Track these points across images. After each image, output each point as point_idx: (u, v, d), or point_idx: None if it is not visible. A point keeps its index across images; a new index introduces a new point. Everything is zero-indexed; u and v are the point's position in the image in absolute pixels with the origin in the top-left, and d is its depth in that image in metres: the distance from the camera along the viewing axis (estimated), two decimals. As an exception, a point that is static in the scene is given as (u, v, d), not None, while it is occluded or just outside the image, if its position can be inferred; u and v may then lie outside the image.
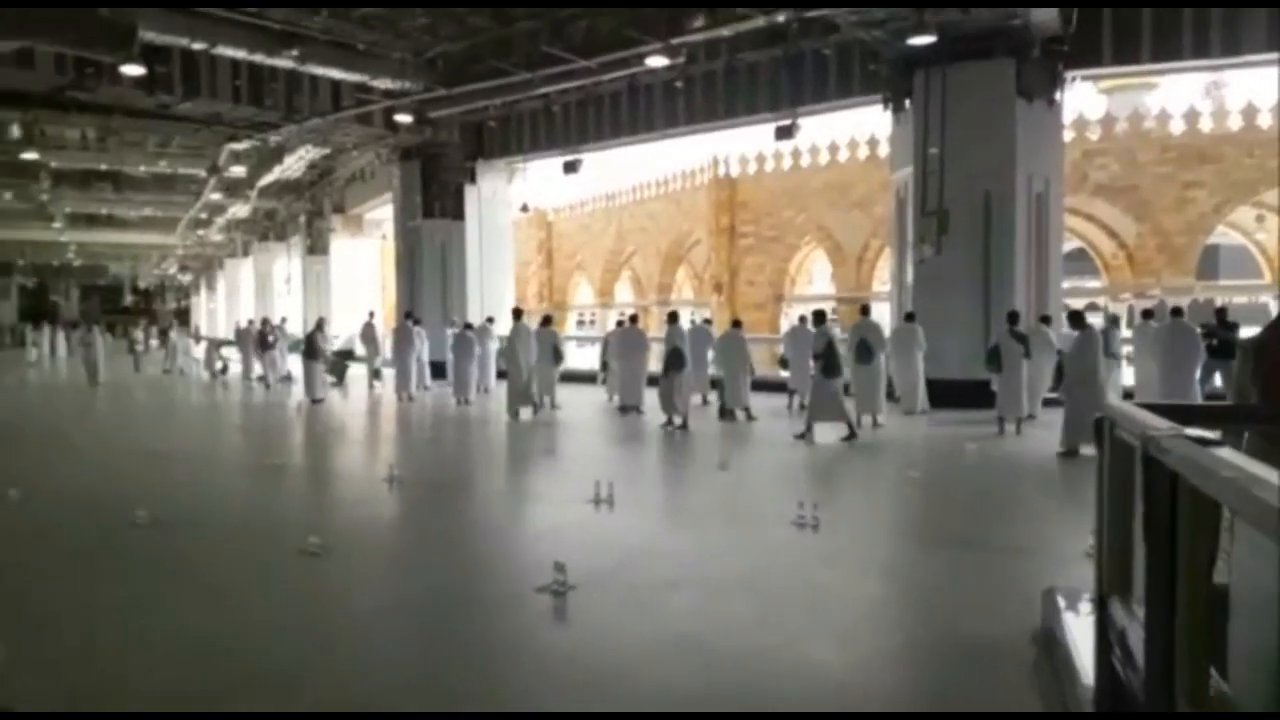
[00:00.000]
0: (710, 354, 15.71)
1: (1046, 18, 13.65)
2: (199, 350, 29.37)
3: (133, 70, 15.20)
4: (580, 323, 43.54)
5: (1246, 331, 14.76)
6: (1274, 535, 1.62)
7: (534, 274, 41.08)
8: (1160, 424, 2.57)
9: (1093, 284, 33.72)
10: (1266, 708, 2.17)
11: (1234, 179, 25.14)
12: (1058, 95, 15.29)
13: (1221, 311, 14.94)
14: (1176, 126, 25.77)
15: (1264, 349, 4.05)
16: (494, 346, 19.74)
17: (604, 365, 17.61)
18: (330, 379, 20.07)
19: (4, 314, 56.92)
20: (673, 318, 14.36)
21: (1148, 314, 15.39)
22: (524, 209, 27.27)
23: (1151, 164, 25.74)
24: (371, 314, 23.93)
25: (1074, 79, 15.70)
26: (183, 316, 59.90)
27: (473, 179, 23.65)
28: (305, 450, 12.63)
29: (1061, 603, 4.23)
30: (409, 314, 20.46)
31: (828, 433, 11.57)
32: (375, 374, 21.04)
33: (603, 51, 15.88)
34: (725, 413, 14.10)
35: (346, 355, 22.89)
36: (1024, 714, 3.69)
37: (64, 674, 4.17)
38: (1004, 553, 6.31)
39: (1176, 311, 13.73)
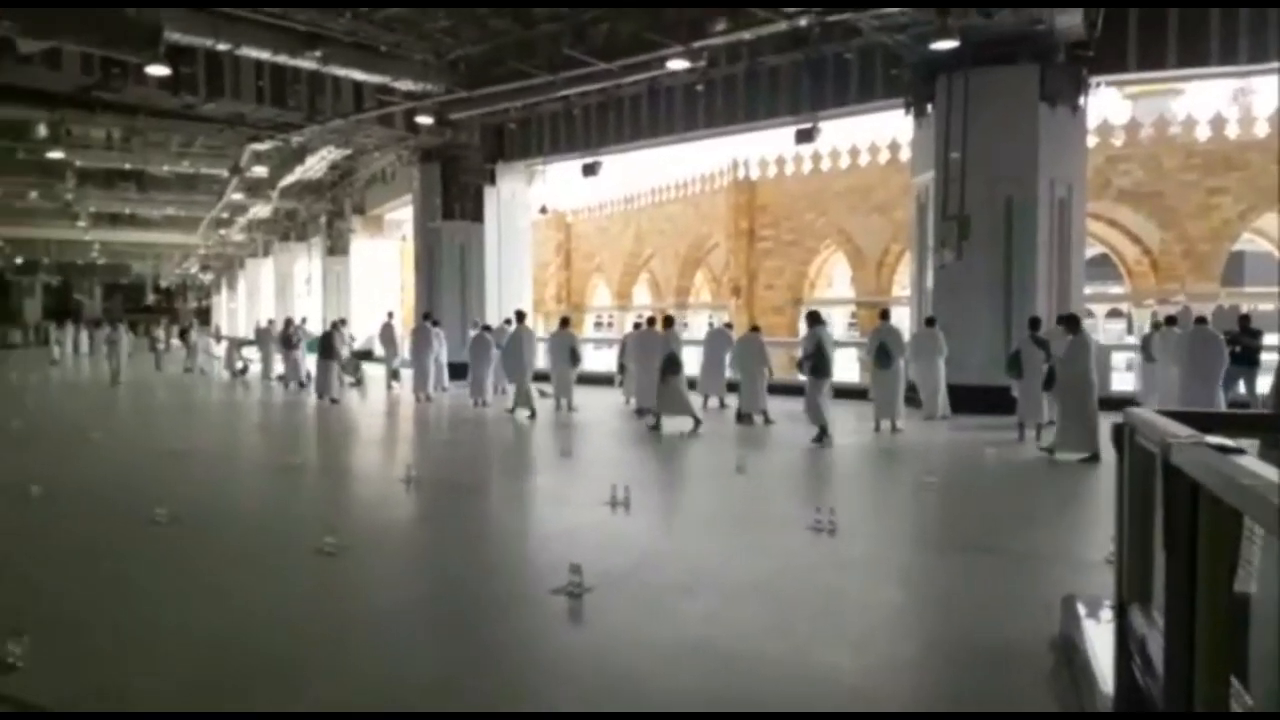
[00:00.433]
0: (728, 358, 15.68)
1: (1071, 23, 13.55)
2: (219, 350, 29.61)
3: (158, 71, 15.36)
4: (598, 324, 43.59)
5: (1271, 339, 14.64)
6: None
7: (552, 275, 41.16)
8: (1181, 431, 2.55)
9: (1116, 290, 33.46)
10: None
11: (1260, 185, 24.87)
12: (1081, 101, 15.16)
13: (1245, 319, 14.77)
14: (1202, 133, 25.53)
15: None
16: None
17: (621, 368, 17.62)
18: (348, 379, 20.18)
19: (29, 312, 57.63)
20: (668, 322, 14.58)
21: (1171, 320, 15.25)
22: (543, 211, 27.30)
23: (1176, 170, 25.51)
24: (390, 315, 24.04)
25: (1098, 84, 15.57)
26: (204, 316, 60.48)
27: (492, 181, 23.73)
28: (323, 450, 12.71)
29: (1081, 610, 4.20)
30: (427, 315, 20.55)
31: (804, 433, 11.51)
32: (394, 375, 21.13)
33: (624, 54, 15.89)
34: (742, 416, 14.07)
35: (364, 356, 23.01)
36: (1034, 714, 3.66)
37: (84, 668, 4.21)
38: (1022, 559, 6.27)
39: (1201, 319, 13.61)
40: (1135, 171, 25.82)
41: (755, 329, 15.88)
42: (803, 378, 15.48)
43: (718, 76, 18.55)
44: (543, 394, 17.92)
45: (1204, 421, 2.84)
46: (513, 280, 24.34)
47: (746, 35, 14.79)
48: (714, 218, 33.48)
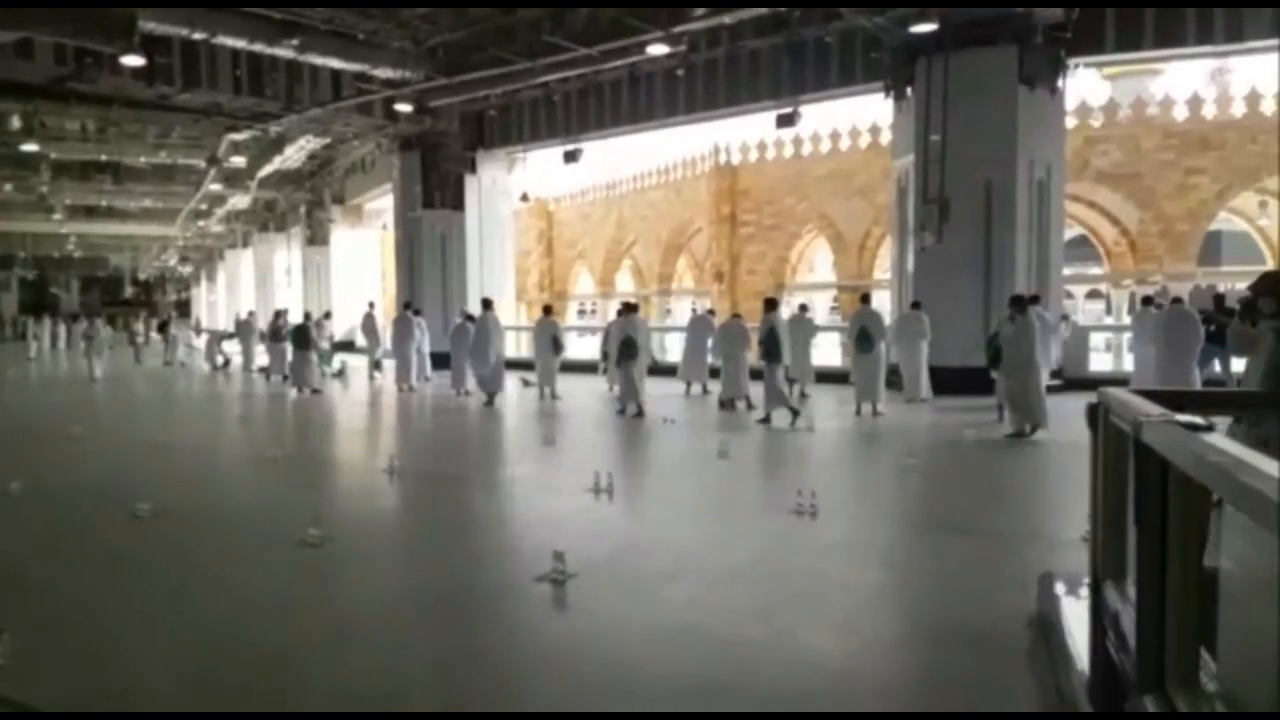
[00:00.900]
0: (710, 343, 15.72)
1: (1049, 5, 13.60)
2: (199, 342, 29.39)
3: (133, 61, 15.20)
4: (581, 312, 43.53)
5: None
6: (1260, 519, 1.63)
7: (534, 263, 41.02)
8: (1152, 409, 2.59)
9: (1095, 270, 33.69)
10: (1256, 689, 2.19)
11: (1236, 165, 25.05)
12: (1060, 82, 15.26)
13: (1220, 298, 14.96)
14: (1179, 113, 25.66)
15: None
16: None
17: (605, 355, 17.62)
18: (326, 370, 20.10)
19: (5, 307, 56.99)
20: (629, 308, 14.75)
21: (1148, 300, 15.39)
22: (524, 198, 27.24)
23: (1154, 150, 25.64)
24: (372, 305, 23.94)
25: (1077, 66, 15.67)
26: (183, 308, 59.91)
27: (473, 169, 23.64)
28: (306, 442, 12.66)
29: (1057, 588, 4.26)
30: (409, 304, 20.48)
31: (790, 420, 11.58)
32: (376, 365, 21.07)
33: (604, 40, 15.86)
34: (724, 402, 14.12)
35: (346, 346, 22.90)
36: (1027, 714, 3.71)
37: (68, 665, 4.20)
38: (1001, 538, 6.34)
39: (1177, 299, 13.74)
40: (1113, 152, 25.94)
41: (737, 315, 15.92)
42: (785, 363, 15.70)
43: (698, 61, 18.53)
44: (526, 383, 17.93)
45: (1177, 400, 2.88)
46: (495, 269, 24.28)
47: (726, 19, 14.81)
48: (696, 203, 33.44)
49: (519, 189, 25.99)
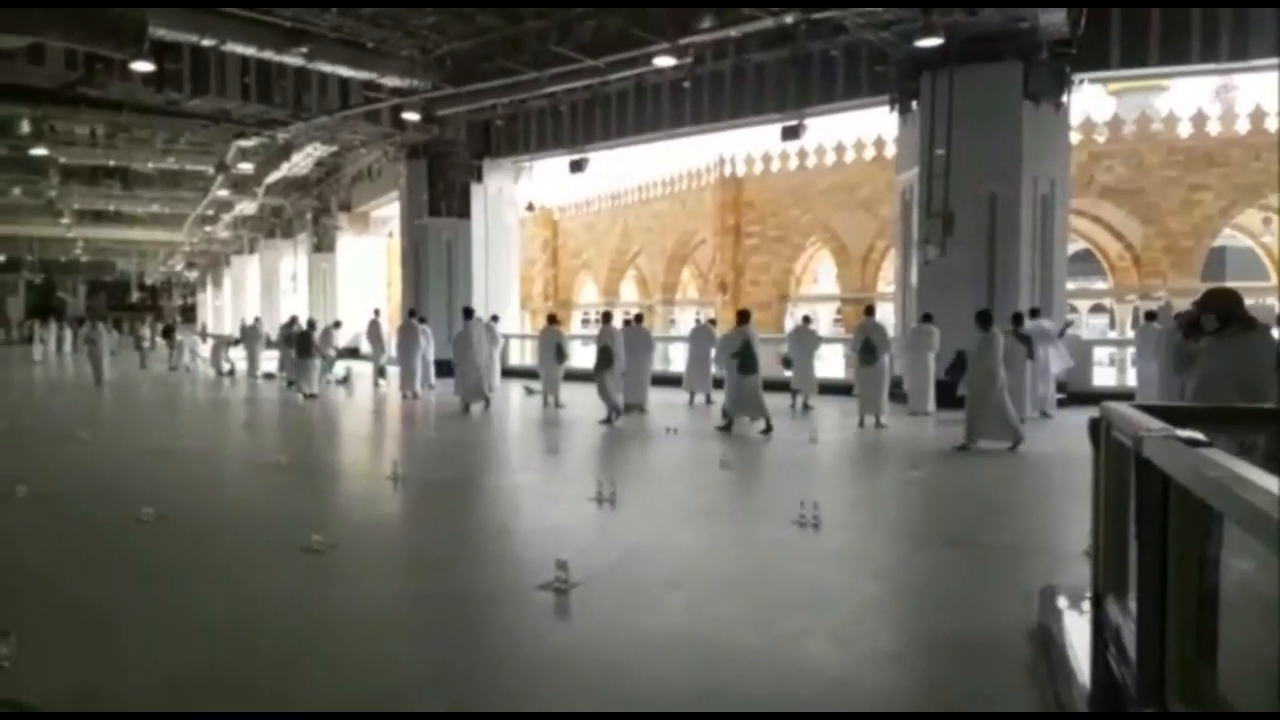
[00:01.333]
0: (713, 353, 15.74)
1: (1054, 20, 13.66)
2: (205, 348, 29.45)
3: (143, 67, 15.27)
4: (585, 321, 43.59)
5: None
6: (1258, 535, 1.65)
7: (539, 272, 41.14)
8: (1153, 425, 2.61)
9: (1099, 285, 33.73)
10: (1257, 703, 2.20)
11: (1240, 182, 25.12)
12: (1065, 98, 15.28)
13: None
14: (1184, 129, 25.75)
15: None
16: (498, 345, 19.88)
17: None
18: (330, 377, 20.16)
19: (12, 310, 57.23)
20: (606, 318, 14.90)
21: (1151, 315, 15.39)
22: (530, 208, 27.31)
23: (1158, 167, 25.71)
24: (377, 312, 24.01)
25: (1081, 81, 15.69)
26: (188, 313, 60.11)
27: (479, 177, 23.72)
28: (311, 448, 12.69)
29: (1059, 602, 4.27)
30: (414, 312, 20.52)
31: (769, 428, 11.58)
32: (380, 372, 21.11)
33: (610, 51, 15.93)
34: (727, 412, 14.10)
35: (352, 353, 22.93)
36: (1024, 714, 3.72)
37: (72, 668, 4.22)
38: (1003, 552, 6.34)
39: (1179, 315, 13.73)
40: (1118, 168, 26.02)
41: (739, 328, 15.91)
42: (788, 374, 15.71)
43: (704, 73, 18.60)
44: (529, 390, 17.97)
45: (1178, 415, 2.90)
46: (500, 277, 24.34)
47: (733, 32, 14.85)
48: (701, 214, 33.54)
49: (525, 198, 26.05)
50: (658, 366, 17.58)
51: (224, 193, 29.57)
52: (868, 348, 13.27)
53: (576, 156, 21.29)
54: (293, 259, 38.08)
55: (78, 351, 33.54)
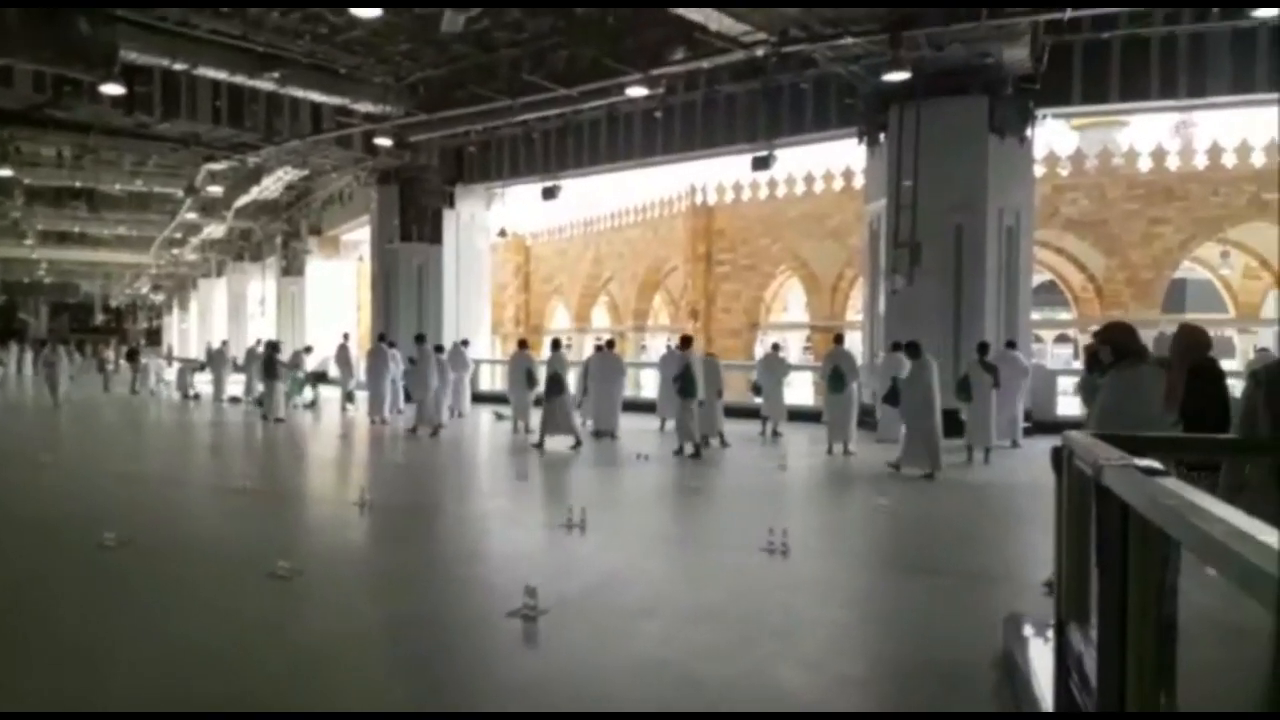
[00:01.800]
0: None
1: (1018, 56, 13.96)
2: (171, 372, 29.06)
3: (113, 89, 15.18)
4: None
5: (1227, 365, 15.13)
6: (1213, 562, 1.70)
7: (511, 298, 41.08)
8: (1112, 454, 2.67)
9: (1063, 315, 34.25)
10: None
11: (1199, 216, 25.67)
12: (1029, 132, 15.61)
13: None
14: (1144, 164, 26.30)
15: (1277, 379, 4.15)
16: (468, 370, 19.83)
17: (585, 390, 17.60)
18: (298, 401, 19.98)
19: (-28, 331, 56.17)
20: (555, 345, 15.30)
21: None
22: (503, 234, 27.32)
23: (1120, 200, 26.23)
24: (346, 336, 23.83)
25: (1045, 116, 16.03)
26: (153, 336, 59.32)
27: (451, 203, 23.74)
28: (277, 473, 12.55)
29: (1023, 629, 4.32)
30: (383, 337, 20.42)
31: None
32: (349, 397, 20.94)
33: (583, 80, 16.07)
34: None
35: (320, 377, 22.71)
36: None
37: (28, 697, 4.14)
38: (968, 579, 6.40)
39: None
40: (1081, 201, 26.51)
41: (710, 354, 16.03)
42: (758, 400, 15.81)
43: (676, 103, 18.80)
44: (499, 416, 17.91)
45: (1137, 445, 2.96)
46: (471, 302, 24.31)
47: (704, 64, 15.05)
48: (672, 242, 33.71)
49: (497, 224, 26.07)
50: (629, 392, 17.58)
51: (192, 215, 29.34)
52: (836, 375, 13.39)
53: (549, 183, 21.38)
54: (261, 282, 37.77)
55: (38, 374, 32.96)
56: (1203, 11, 14.09)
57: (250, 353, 22.23)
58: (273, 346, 19.74)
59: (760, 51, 14.08)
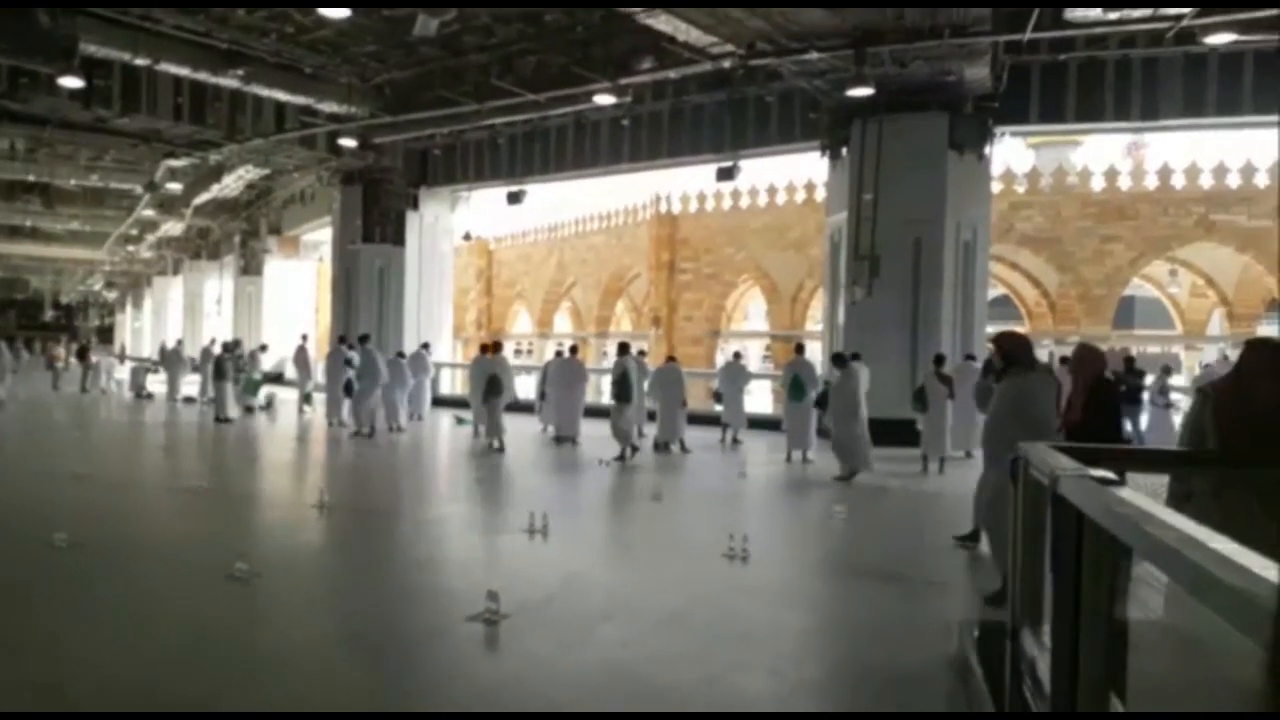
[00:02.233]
0: (646, 386, 15.83)
1: (979, 75, 14.25)
2: (124, 371, 28.52)
3: (71, 82, 14.85)
4: (518, 352, 43.44)
5: (1151, 379, 15.55)
6: (1164, 568, 1.78)
7: (473, 302, 40.89)
8: (1068, 464, 2.77)
9: (1016, 329, 34.81)
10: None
11: (1149, 235, 26.33)
12: (987, 149, 15.93)
13: (1130, 360, 15.69)
14: (1097, 183, 26.94)
15: (1224, 395, 4.30)
16: (429, 374, 19.73)
17: (542, 395, 17.60)
18: (253, 402, 19.72)
19: (-86, 327, 54.63)
20: (496, 347, 15.64)
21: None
22: (467, 237, 27.22)
23: (1074, 218, 26.82)
24: (305, 337, 23.57)
25: (1003, 134, 16.39)
26: (105, 334, 58.14)
27: (415, 205, 23.59)
28: (233, 474, 12.39)
29: (977, 633, 4.42)
30: (343, 339, 20.23)
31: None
32: (306, 398, 20.71)
33: (551, 87, 16.10)
34: (660, 446, 14.24)
35: (277, 379, 22.46)
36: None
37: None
38: (924, 586, 6.52)
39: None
40: (1036, 218, 27.07)
41: (671, 359, 16.11)
42: (718, 408, 15.93)
43: (643, 112, 18.90)
44: (459, 420, 17.84)
45: (1091, 456, 3.07)
46: (433, 305, 24.16)
47: (672, 74, 15.16)
48: (636, 249, 33.82)
49: (461, 227, 25.97)
50: (590, 398, 17.60)
51: (149, 212, 28.83)
52: (796, 384, 13.53)
53: (514, 188, 21.36)
54: (218, 282, 37.20)
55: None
56: (1156, 37, 14.50)
57: (205, 352, 21.87)
58: (228, 347, 19.50)
59: (727, 63, 14.23)
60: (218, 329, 32.33)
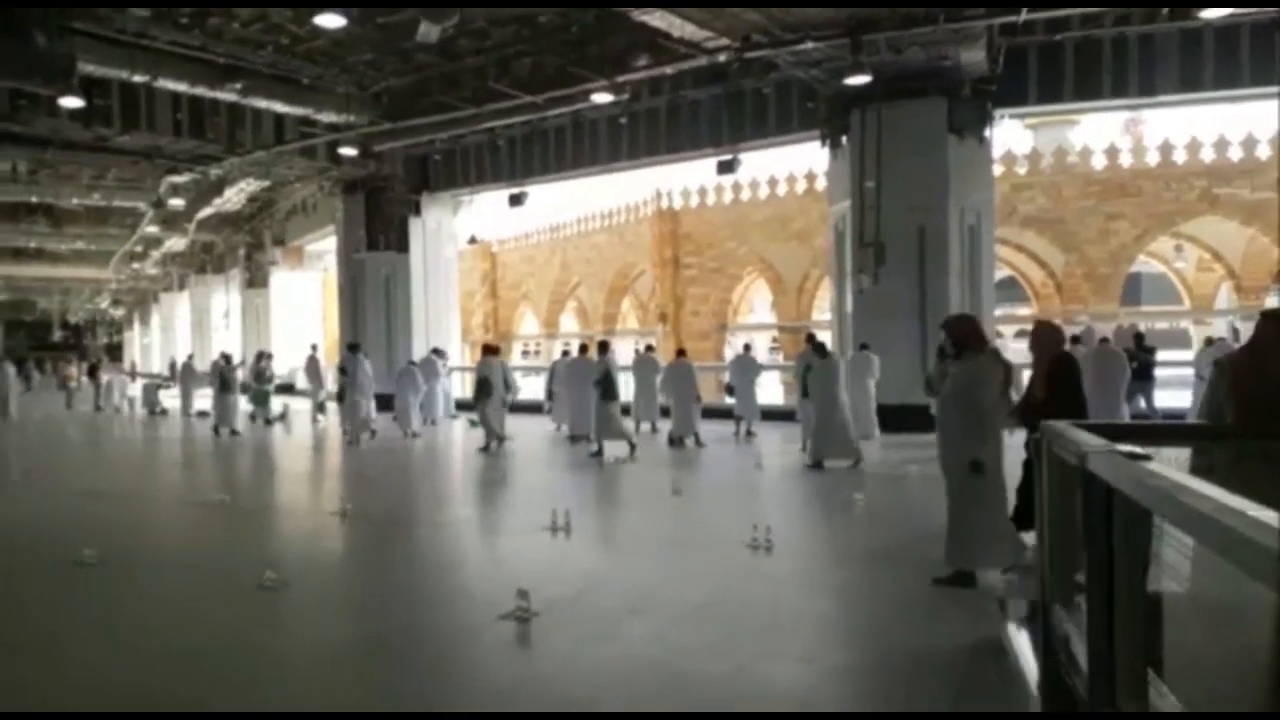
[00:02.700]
0: (658, 382, 15.89)
1: (975, 59, 14.24)
2: (134, 388, 28.63)
3: (71, 102, 14.93)
4: (525, 353, 43.58)
5: (1165, 355, 15.57)
6: (1198, 536, 1.82)
7: (479, 305, 40.99)
8: (1096, 441, 2.80)
9: (1024, 311, 34.81)
10: (1198, 701, 2.37)
11: (1153, 211, 26.30)
12: (987, 132, 15.92)
13: (1140, 337, 15.69)
14: (1098, 162, 26.91)
15: (1239, 368, 4.34)
16: (440, 379, 19.78)
17: (550, 394, 17.66)
18: (268, 414, 19.82)
19: (-76, 351, 54.84)
20: (485, 350, 15.67)
21: (1075, 340, 15.99)
22: (471, 241, 27.28)
23: (1076, 197, 26.81)
24: (315, 347, 23.64)
25: (1002, 116, 16.38)
26: (114, 352, 58.32)
27: (417, 211, 23.65)
28: (253, 486, 12.47)
29: (1006, 614, 4.46)
30: (353, 347, 20.28)
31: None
32: (319, 408, 20.80)
33: (548, 88, 16.13)
34: (674, 440, 14.29)
35: (287, 389, 22.53)
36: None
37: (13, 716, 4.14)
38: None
39: (1104, 339, 14.38)
40: (1038, 199, 27.06)
41: (681, 353, 16.14)
42: (730, 401, 15.96)
43: (640, 109, 18.92)
44: (473, 423, 17.88)
45: (1113, 432, 3.10)
46: (439, 310, 24.23)
47: (668, 70, 15.17)
48: (639, 246, 33.88)
49: (464, 231, 26.04)
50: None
51: (153, 229, 28.94)
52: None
53: (515, 190, 21.40)
54: (225, 295, 37.34)
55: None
56: (1151, 13, 14.48)
57: (214, 366, 21.96)
58: (225, 359, 19.60)
59: (723, 57, 14.24)
60: (227, 343, 32.44)
